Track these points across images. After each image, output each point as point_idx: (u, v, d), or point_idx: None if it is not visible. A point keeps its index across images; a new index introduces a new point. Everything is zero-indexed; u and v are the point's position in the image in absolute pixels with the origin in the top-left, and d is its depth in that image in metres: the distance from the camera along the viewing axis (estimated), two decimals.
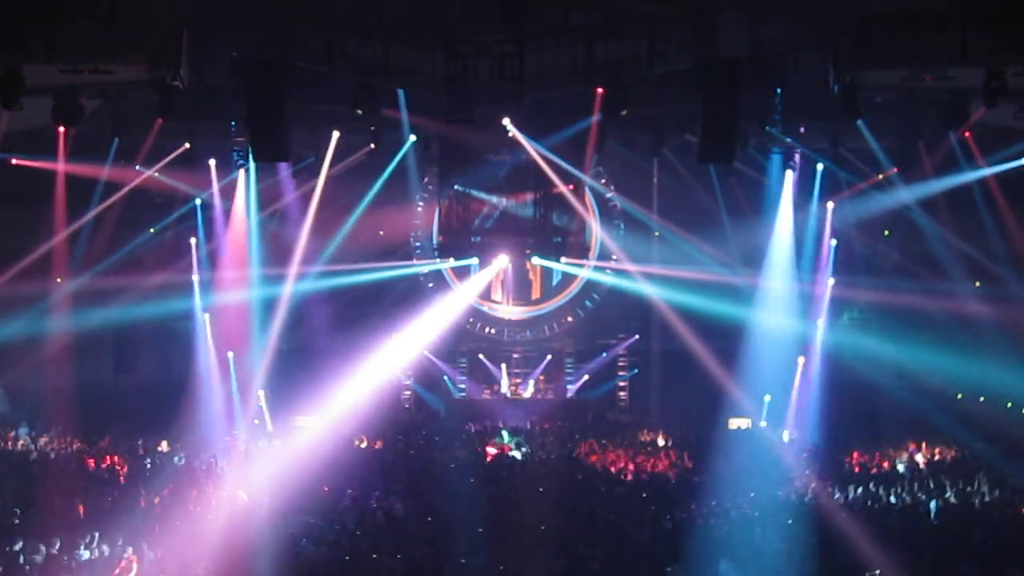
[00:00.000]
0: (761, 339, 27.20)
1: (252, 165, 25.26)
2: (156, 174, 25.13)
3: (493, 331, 31.99)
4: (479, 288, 30.49)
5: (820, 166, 26.48)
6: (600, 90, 20.58)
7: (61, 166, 23.85)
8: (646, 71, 18.81)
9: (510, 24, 18.99)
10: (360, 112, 20.07)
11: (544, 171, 23.48)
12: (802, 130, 24.69)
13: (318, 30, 18.39)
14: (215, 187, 26.35)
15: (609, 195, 31.29)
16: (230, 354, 27.23)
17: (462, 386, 31.97)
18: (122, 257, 26.69)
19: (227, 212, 26.95)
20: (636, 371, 31.94)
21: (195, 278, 27.44)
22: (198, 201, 27.10)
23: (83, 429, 24.33)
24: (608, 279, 30.38)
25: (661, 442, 25.30)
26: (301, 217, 26.72)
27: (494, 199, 24.98)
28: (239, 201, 26.31)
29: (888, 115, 23.13)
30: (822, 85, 19.54)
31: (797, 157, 26.26)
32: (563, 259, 27.73)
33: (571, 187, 24.48)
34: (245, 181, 26.09)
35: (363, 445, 23.79)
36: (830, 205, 27.17)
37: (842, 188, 26.96)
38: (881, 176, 26.50)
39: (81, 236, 25.99)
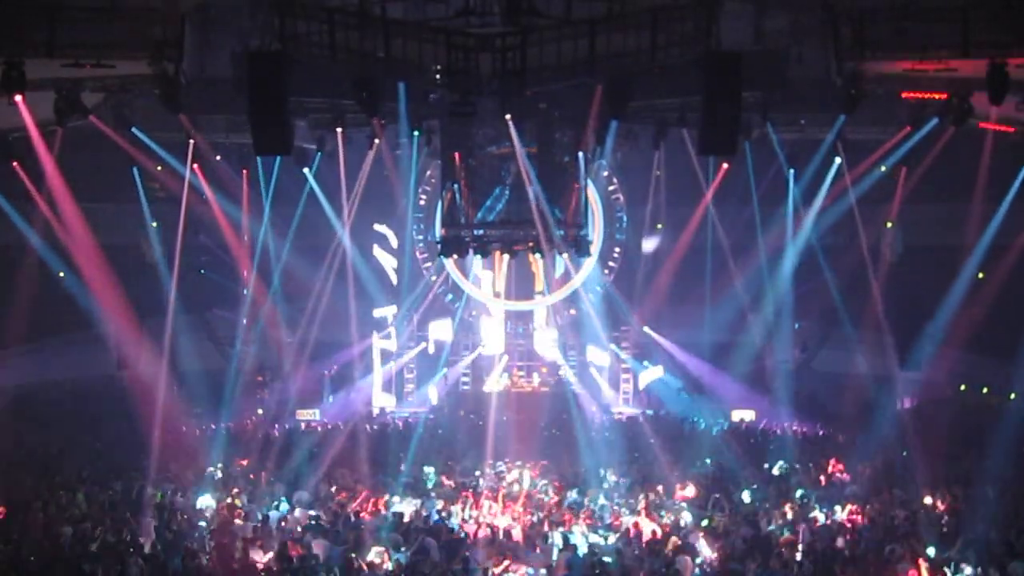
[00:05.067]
0: None
1: None
2: None
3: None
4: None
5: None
6: (602, 83, 20.56)
7: None
8: (648, 63, 18.73)
9: (512, 17, 18.96)
10: (365, 98, 20.06)
11: (546, 164, 23.41)
12: (803, 122, 24.66)
13: (320, 23, 18.34)
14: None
15: (611, 188, 31.29)
16: None
17: (466, 379, 32.00)
18: None
19: None
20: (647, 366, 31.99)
21: None
22: None
23: None
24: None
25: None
26: None
27: (496, 192, 24.91)
28: None
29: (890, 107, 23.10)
30: (824, 77, 19.51)
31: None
32: (565, 253, 27.69)
33: (573, 182, 24.41)
34: None
35: None
36: None
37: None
38: (883, 168, 26.49)
39: None
